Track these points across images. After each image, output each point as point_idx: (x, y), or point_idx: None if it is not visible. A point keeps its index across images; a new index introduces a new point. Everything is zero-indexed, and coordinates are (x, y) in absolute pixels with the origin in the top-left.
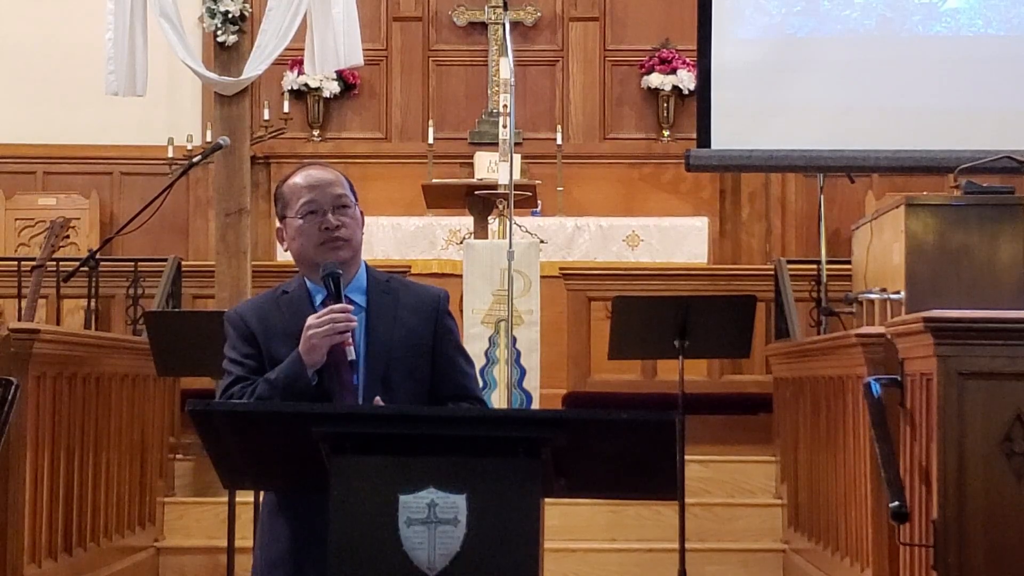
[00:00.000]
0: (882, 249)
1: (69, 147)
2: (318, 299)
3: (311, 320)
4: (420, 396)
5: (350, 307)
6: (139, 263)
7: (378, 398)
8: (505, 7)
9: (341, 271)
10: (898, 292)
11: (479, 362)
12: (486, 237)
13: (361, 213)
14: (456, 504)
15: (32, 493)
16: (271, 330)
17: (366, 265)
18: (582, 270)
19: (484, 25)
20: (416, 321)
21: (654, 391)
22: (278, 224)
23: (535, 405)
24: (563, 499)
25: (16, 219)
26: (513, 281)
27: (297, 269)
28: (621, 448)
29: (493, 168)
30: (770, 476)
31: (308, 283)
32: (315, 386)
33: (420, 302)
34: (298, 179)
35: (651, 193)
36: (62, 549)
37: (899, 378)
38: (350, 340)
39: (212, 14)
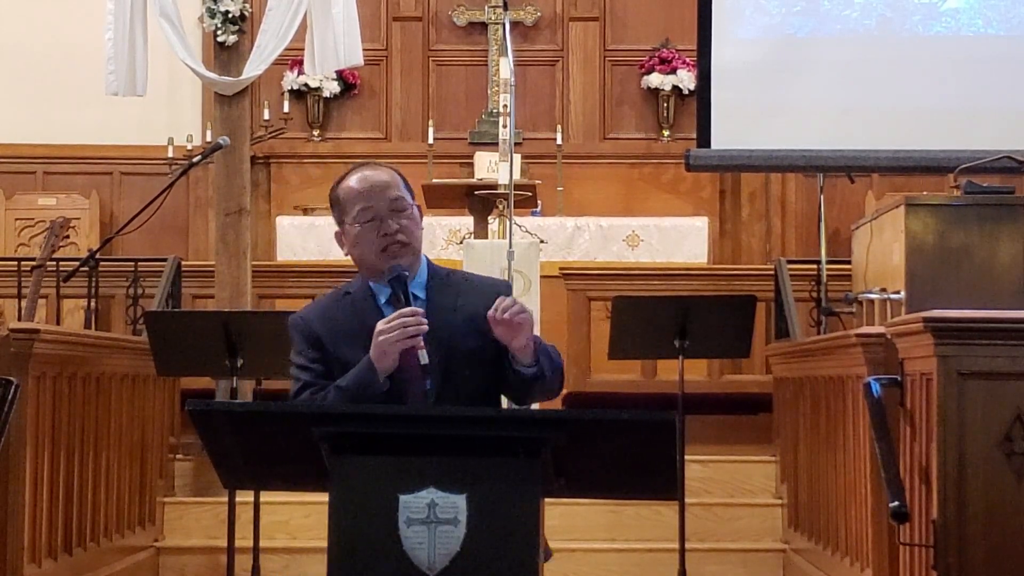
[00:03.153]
0: (882, 249)
1: (69, 147)
2: (382, 299)
3: (381, 325)
4: (484, 379)
5: (420, 310)
6: (139, 263)
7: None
8: (505, 7)
9: (407, 272)
10: (898, 292)
11: None
12: (486, 237)
13: (419, 209)
14: (456, 504)
15: (32, 493)
16: (337, 332)
17: (427, 260)
18: (582, 270)
19: (484, 25)
20: (476, 307)
21: (654, 391)
22: (336, 229)
23: (535, 405)
24: (563, 499)
25: (16, 219)
26: (513, 281)
27: (355, 270)
28: (621, 448)
29: (493, 168)
30: (770, 476)
31: (371, 284)
32: (386, 392)
33: (480, 290)
34: (353, 183)
35: (651, 193)
36: (62, 549)
37: (899, 378)
38: (421, 344)
39: (212, 14)
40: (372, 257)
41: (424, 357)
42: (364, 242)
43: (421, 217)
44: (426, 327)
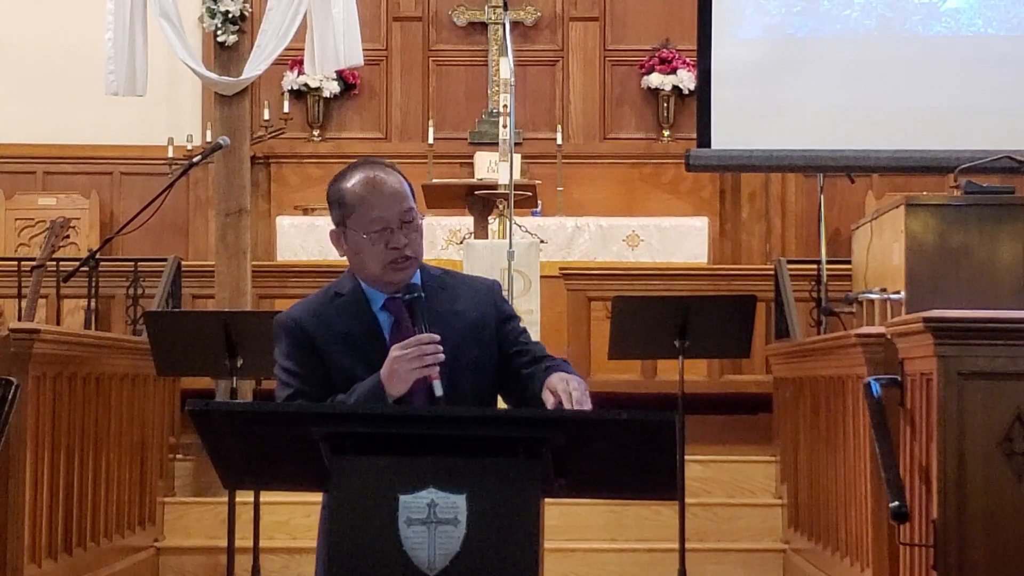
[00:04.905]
0: (882, 249)
1: (69, 147)
2: (377, 304)
3: (396, 351)
4: (486, 387)
5: (437, 336)
6: (139, 263)
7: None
8: (505, 7)
9: (421, 293)
10: (898, 292)
11: None
12: (486, 237)
13: (422, 218)
14: (456, 504)
15: (32, 493)
16: (332, 337)
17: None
18: (582, 270)
19: (484, 25)
20: (476, 313)
21: (654, 391)
22: (333, 227)
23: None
24: (563, 499)
25: (16, 219)
26: (513, 281)
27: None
28: (621, 448)
29: (493, 168)
30: (770, 476)
31: (364, 286)
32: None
33: (476, 293)
34: (361, 186)
35: (651, 193)
36: (62, 549)
37: (899, 378)
38: (437, 374)
39: (212, 14)
40: (376, 268)
41: (439, 388)
42: (368, 252)
43: (422, 221)
44: (443, 356)
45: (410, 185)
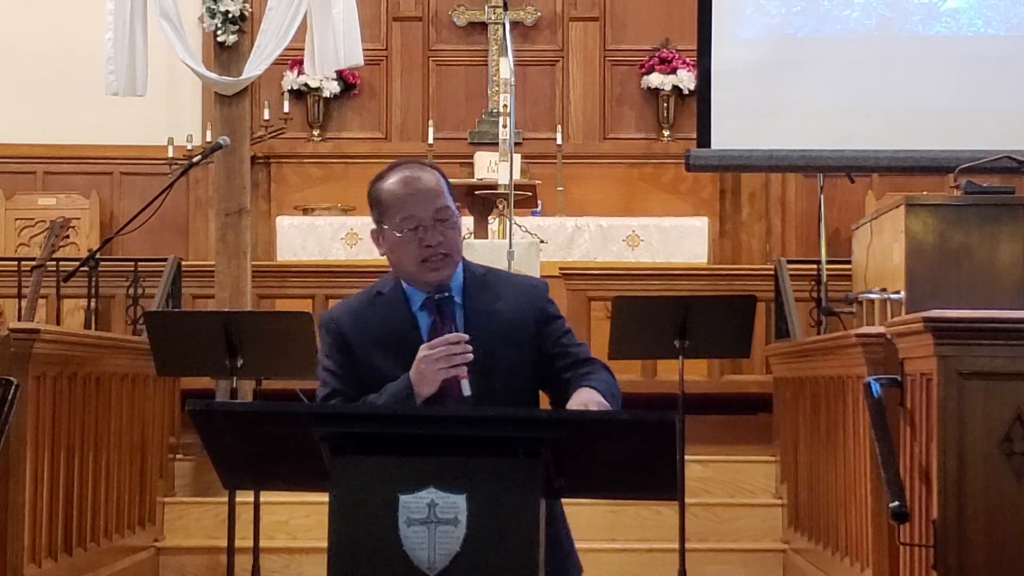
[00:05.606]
0: (882, 249)
1: (69, 147)
2: (416, 304)
3: (424, 351)
4: (520, 388)
5: (465, 336)
6: (139, 263)
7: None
8: (505, 7)
9: (450, 293)
10: (898, 292)
11: None
12: (486, 237)
13: (459, 211)
14: (456, 504)
15: (32, 493)
16: (367, 337)
17: (464, 260)
18: (582, 270)
19: (484, 25)
20: (516, 315)
21: (654, 391)
22: (373, 227)
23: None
24: (563, 499)
25: (16, 219)
26: None
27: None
28: (621, 448)
29: (493, 168)
30: (770, 476)
31: (404, 286)
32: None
33: (519, 293)
34: (396, 185)
35: (651, 193)
36: (62, 549)
37: (899, 378)
38: (465, 373)
39: (212, 14)
40: (411, 266)
41: (467, 388)
42: (403, 250)
43: (460, 223)
44: (471, 356)
45: (448, 183)
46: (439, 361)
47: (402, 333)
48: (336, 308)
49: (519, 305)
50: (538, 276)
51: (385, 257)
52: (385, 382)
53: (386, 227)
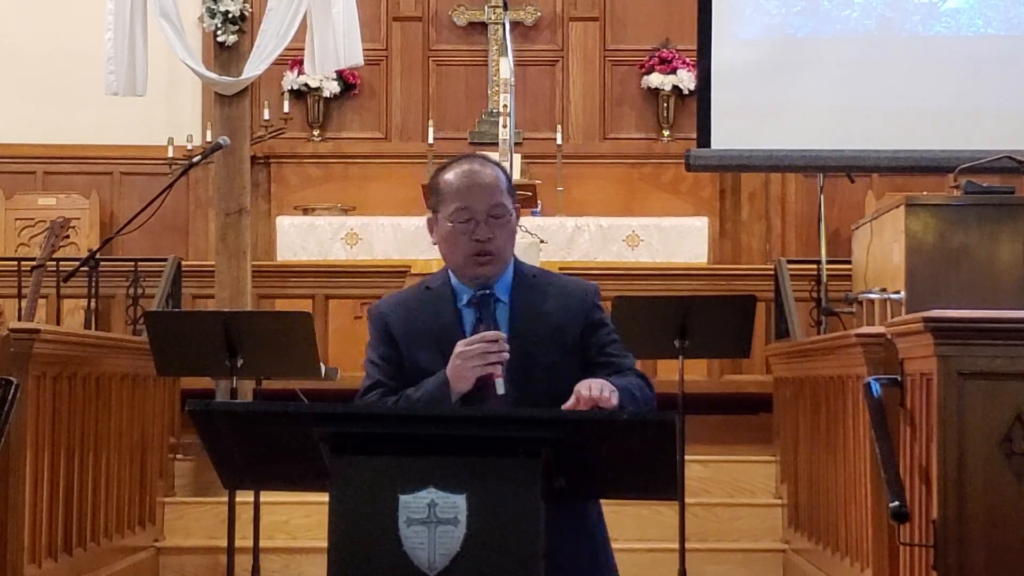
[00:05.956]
0: (882, 249)
1: (69, 147)
2: (463, 298)
3: (460, 347)
4: (560, 390)
5: (503, 335)
6: (139, 263)
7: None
8: (505, 7)
9: (492, 291)
10: (898, 292)
11: None
12: None
13: (517, 212)
14: (456, 504)
15: (32, 493)
16: (412, 331)
17: (515, 260)
18: (582, 270)
19: (484, 25)
20: (562, 317)
21: None
22: (429, 214)
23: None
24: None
25: (16, 219)
26: None
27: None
28: (621, 448)
29: None
30: (770, 476)
31: (453, 280)
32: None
33: (568, 296)
34: (456, 176)
35: (651, 193)
36: (62, 549)
37: (899, 378)
38: (500, 372)
39: (212, 14)
40: (459, 259)
41: (501, 387)
42: (453, 242)
43: (518, 219)
44: (507, 355)
45: (508, 179)
46: (474, 358)
47: (446, 328)
48: (384, 300)
49: (567, 308)
50: None
51: (436, 247)
52: (425, 376)
53: (440, 217)
